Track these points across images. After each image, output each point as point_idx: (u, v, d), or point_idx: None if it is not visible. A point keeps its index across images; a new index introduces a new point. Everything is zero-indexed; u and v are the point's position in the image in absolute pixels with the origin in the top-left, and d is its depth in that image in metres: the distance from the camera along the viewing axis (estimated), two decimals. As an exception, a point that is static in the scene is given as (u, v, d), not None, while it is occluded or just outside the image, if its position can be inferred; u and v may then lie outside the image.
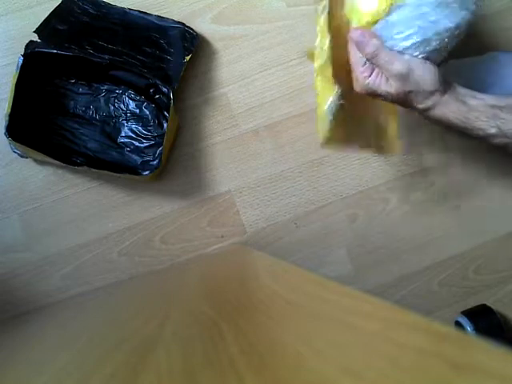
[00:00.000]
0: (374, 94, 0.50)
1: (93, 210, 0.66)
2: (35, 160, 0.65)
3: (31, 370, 0.32)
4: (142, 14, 0.66)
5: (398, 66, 0.48)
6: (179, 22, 0.66)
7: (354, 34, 0.50)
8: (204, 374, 0.22)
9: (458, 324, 0.68)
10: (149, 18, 0.66)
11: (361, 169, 0.69)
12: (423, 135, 0.70)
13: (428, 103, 0.49)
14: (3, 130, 0.58)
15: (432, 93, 0.49)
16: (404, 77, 0.48)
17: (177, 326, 0.33)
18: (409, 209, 0.70)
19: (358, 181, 0.69)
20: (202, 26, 0.67)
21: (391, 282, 0.70)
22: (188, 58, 0.63)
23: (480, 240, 0.71)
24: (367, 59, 0.50)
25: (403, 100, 0.49)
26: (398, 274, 0.70)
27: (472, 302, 0.70)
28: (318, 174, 0.69)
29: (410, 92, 0.48)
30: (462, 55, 0.69)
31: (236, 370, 0.21)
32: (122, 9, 0.66)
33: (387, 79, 0.49)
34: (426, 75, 0.49)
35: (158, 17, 0.66)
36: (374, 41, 0.49)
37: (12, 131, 0.58)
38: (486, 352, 0.18)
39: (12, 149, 0.63)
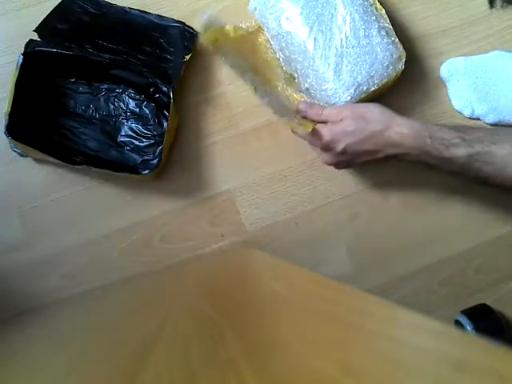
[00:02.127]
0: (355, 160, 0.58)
1: (92, 209, 0.66)
2: (35, 159, 0.65)
3: (31, 369, 0.32)
4: (142, 13, 0.66)
5: (334, 115, 0.57)
6: (179, 21, 0.66)
7: (300, 106, 0.60)
8: (204, 374, 0.22)
9: (457, 323, 0.68)
10: (149, 17, 0.66)
11: (360, 168, 0.69)
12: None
13: (383, 122, 0.55)
14: (3, 129, 0.58)
15: (381, 111, 0.56)
16: (352, 111, 0.56)
17: (177, 326, 0.33)
18: (409, 208, 0.70)
19: (357, 180, 0.69)
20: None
21: (391, 280, 0.70)
22: (188, 57, 0.63)
23: (480, 239, 0.71)
24: (317, 120, 0.58)
25: (360, 130, 0.55)
26: (398, 273, 0.70)
27: (472, 302, 0.70)
28: (318, 173, 0.69)
29: (363, 119, 0.55)
30: (468, 53, 0.70)
31: (236, 369, 0.21)
32: (122, 8, 0.65)
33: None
34: (366, 104, 0.58)
35: (158, 16, 0.66)
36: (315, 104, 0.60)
37: (12, 130, 0.58)
38: (485, 351, 0.18)
39: (12, 148, 0.63)
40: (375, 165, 0.69)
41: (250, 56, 0.64)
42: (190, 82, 0.68)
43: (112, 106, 0.67)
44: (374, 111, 0.56)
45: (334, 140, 0.56)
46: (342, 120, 0.56)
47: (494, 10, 0.71)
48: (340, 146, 0.56)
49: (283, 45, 0.62)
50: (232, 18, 0.68)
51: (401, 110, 0.70)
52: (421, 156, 0.54)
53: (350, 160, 0.58)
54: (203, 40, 0.58)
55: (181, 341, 0.29)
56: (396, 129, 0.54)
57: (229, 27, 0.63)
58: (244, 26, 0.65)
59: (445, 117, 0.70)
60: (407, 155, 0.55)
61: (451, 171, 0.55)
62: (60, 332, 0.45)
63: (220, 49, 0.59)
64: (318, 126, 0.57)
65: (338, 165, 0.60)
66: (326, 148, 0.57)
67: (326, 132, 0.56)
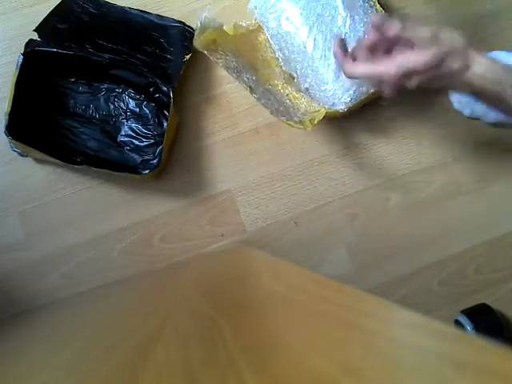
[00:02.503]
0: (410, 73, 0.47)
1: (92, 208, 0.66)
2: (35, 159, 0.65)
3: (31, 369, 0.32)
4: (141, 13, 0.66)
5: (425, 30, 0.48)
6: (179, 21, 0.66)
7: (375, 18, 0.49)
8: (204, 373, 0.22)
9: (457, 323, 0.68)
10: (149, 17, 0.66)
11: (360, 168, 0.69)
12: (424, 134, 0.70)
13: (464, 61, 0.47)
14: (3, 129, 0.58)
15: (466, 49, 0.48)
16: (435, 38, 0.47)
17: (177, 325, 0.33)
18: (408, 208, 0.70)
19: (357, 180, 0.69)
20: (201, 24, 0.67)
21: (391, 280, 0.70)
22: (188, 56, 0.63)
23: (480, 239, 0.71)
24: (396, 36, 0.49)
25: (439, 66, 0.47)
26: (397, 273, 0.70)
27: (472, 301, 0.70)
28: (318, 173, 0.69)
29: (445, 53, 0.47)
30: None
31: (236, 368, 0.21)
32: (122, 8, 0.65)
33: (416, 52, 0.48)
34: (453, 33, 0.48)
35: (158, 16, 0.66)
36: (395, 19, 0.49)
37: (12, 130, 0.58)
38: (485, 351, 0.18)
39: (12, 147, 0.63)
40: (376, 163, 0.69)
41: (250, 55, 0.64)
42: (190, 81, 0.68)
43: (112, 106, 0.67)
44: (455, 43, 0.48)
45: (405, 78, 0.48)
46: (416, 49, 0.48)
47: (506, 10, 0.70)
48: (412, 84, 0.48)
49: (283, 44, 0.62)
50: (232, 18, 0.68)
51: (401, 110, 0.70)
52: (495, 101, 0.50)
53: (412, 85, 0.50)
54: (198, 42, 0.57)
55: (181, 340, 0.29)
56: (476, 70, 0.48)
57: (229, 26, 0.63)
58: (244, 25, 0.65)
59: (444, 118, 0.70)
60: (481, 96, 0.50)
61: None
62: (60, 331, 0.45)
63: (217, 49, 0.59)
64: (363, 61, 0.51)
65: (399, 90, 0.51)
66: (390, 83, 0.49)
67: (391, 68, 0.47)
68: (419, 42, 0.48)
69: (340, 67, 0.56)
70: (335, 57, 0.55)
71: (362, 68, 0.50)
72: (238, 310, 0.33)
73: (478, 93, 0.50)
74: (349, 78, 0.53)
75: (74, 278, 0.66)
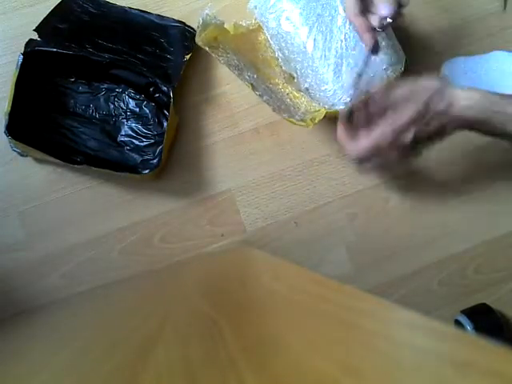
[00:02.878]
0: (404, 129, 0.51)
1: (92, 208, 0.66)
2: (35, 159, 0.65)
3: (31, 369, 0.32)
4: (142, 13, 0.66)
5: (403, 89, 0.52)
6: (179, 21, 0.66)
7: (342, 112, 0.55)
8: (204, 373, 0.22)
9: (457, 323, 0.68)
10: (149, 16, 0.66)
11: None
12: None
13: (446, 99, 0.50)
14: (3, 129, 0.58)
15: (443, 89, 0.50)
16: (414, 92, 0.51)
17: (177, 325, 0.33)
18: (408, 208, 0.70)
19: (357, 180, 0.69)
20: (201, 24, 0.67)
21: (391, 280, 0.70)
22: (188, 56, 0.63)
23: (480, 239, 0.71)
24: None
25: (425, 114, 0.50)
26: (397, 272, 0.70)
27: (472, 301, 0.69)
28: (318, 172, 0.69)
29: (425, 102, 0.50)
30: (468, 53, 0.70)
31: (236, 368, 0.21)
32: (122, 8, 0.66)
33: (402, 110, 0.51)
34: (427, 80, 0.52)
35: (158, 16, 0.66)
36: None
37: (12, 130, 0.58)
38: (485, 351, 0.18)
39: (12, 147, 0.63)
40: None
41: (250, 54, 0.64)
42: (190, 81, 0.68)
43: (112, 106, 0.67)
44: (432, 88, 0.51)
45: (401, 134, 0.50)
46: (401, 107, 0.51)
47: (507, 9, 0.71)
48: (409, 137, 0.50)
49: (282, 44, 0.62)
50: (232, 18, 0.68)
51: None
52: (482, 128, 0.51)
53: (416, 148, 0.53)
54: (200, 39, 0.57)
55: (181, 340, 0.29)
56: (461, 103, 0.50)
57: (229, 25, 0.63)
58: (244, 24, 0.65)
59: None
60: (468, 128, 0.52)
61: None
62: (60, 331, 0.45)
63: (218, 47, 0.59)
64: (364, 133, 0.53)
65: (405, 157, 0.54)
66: (392, 147, 0.51)
67: (386, 129, 0.51)
68: (401, 101, 0.52)
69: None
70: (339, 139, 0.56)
71: (365, 142, 0.52)
72: (238, 309, 0.33)
73: (472, 126, 0.51)
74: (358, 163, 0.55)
75: (73, 277, 0.66)
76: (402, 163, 0.56)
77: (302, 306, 0.29)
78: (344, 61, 0.59)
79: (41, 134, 0.63)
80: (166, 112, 0.65)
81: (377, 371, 0.18)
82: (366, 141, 0.52)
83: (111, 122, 0.66)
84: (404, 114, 0.50)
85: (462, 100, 0.50)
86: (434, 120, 0.50)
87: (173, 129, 0.65)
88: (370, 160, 0.54)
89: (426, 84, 0.52)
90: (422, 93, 0.51)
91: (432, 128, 0.51)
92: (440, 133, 0.52)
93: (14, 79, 0.59)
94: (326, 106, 0.60)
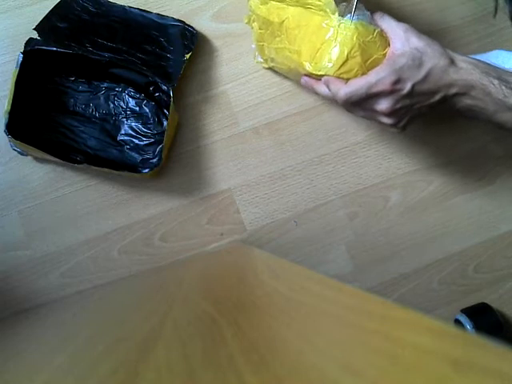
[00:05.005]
0: (401, 76, 0.47)
1: (92, 207, 0.66)
2: (35, 158, 0.65)
3: (31, 367, 0.32)
4: (142, 12, 0.65)
5: (401, 26, 0.49)
6: (179, 20, 0.65)
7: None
8: (204, 372, 0.22)
9: (457, 322, 0.68)
10: (149, 15, 0.66)
11: (360, 167, 0.69)
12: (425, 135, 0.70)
13: (448, 56, 0.48)
14: (3, 128, 0.58)
15: (443, 48, 0.49)
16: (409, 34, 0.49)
17: (177, 324, 0.33)
18: (408, 207, 0.70)
19: (357, 179, 0.69)
20: (201, 23, 0.67)
21: (391, 279, 0.70)
22: (188, 55, 0.63)
23: (480, 238, 0.71)
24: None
25: (424, 56, 0.48)
26: (397, 271, 0.70)
27: (472, 300, 0.70)
28: (318, 171, 0.69)
29: (424, 45, 0.48)
30: (468, 53, 0.70)
31: (236, 367, 0.21)
32: (122, 7, 0.65)
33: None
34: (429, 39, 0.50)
35: (158, 15, 0.66)
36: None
37: (12, 129, 0.58)
38: (485, 350, 0.18)
39: (12, 146, 0.63)
40: (376, 161, 0.69)
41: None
42: (190, 80, 0.68)
43: (112, 105, 0.67)
44: (434, 45, 0.49)
45: (401, 78, 0.47)
46: (402, 51, 0.48)
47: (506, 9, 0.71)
48: (407, 86, 0.47)
49: None
50: (233, 17, 0.68)
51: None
52: (481, 98, 0.48)
53: (411, 106, 0.49)
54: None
55: (181, 339, 0.29)
56: (461, 64, 0.48)
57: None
58: None
59: (444, 117, 0.70)
60: (466, 96, 0.48)
61: (507, 122, 0.49)
62: (60, 330, 0.45)
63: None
64: (374, 70, 0.48)
65: (397, 115, 0.50)
66: (390, 90, 0.47)
67: (388, 69, 0.47)
68: (395, 36, 0.49)
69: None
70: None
71: (344, 88, 0.49)
72: (237, 309, 0.33)
73: (463, 93, 0.49)
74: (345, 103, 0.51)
75: (73, 276, 0.66)
76: (395, 123, 0.51)
77: (301, 305, 0.29)
78: None
79: (41, 133, 0.63)
80: (165, 111, 0.65)
81: (377, 370, 0.18)
82: (345, 87, 0.49)
83: (111, 121, 0.66)
84: (406, 56, 0.48)
85: (463, 61, 0.48)
86: (431, 76, 0.48)
87: (173, 128, 0.65)
88: (352, 110, 0.52)
89: (425, 38, 0.49)
90: (422, 44, 0.49)
91: (427, 86, 0.48)
92: (433, 94, 0.49)
93: (14, 78, 0.59)
94: None
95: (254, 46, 0.66)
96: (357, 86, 0.48)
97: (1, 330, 0.60)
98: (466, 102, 0.49)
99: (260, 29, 0.60)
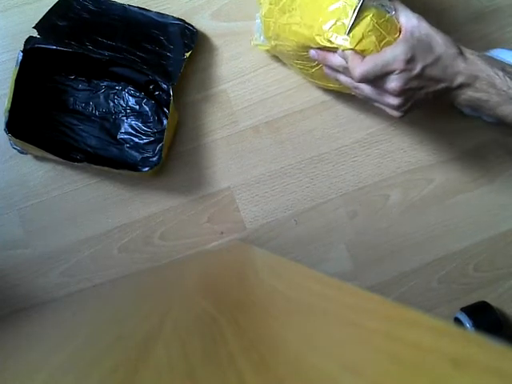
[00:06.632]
0: (412, 57, 0.47)
1: (92, 206, 0.66)
2: (35, 156, 0.65)
3: (31, 366, 0.33)
4: (141, 11, 0.65)
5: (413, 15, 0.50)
6: (179, 19, 0.65)
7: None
8: (204, 371, 0.22)
9: (457, 320, 0.68)
10: (149, 14, 0.65)
11: (360, 165, 0.69)
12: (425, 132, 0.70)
13: (457, 46, 0.49)
14: (3, 126, 0.58)
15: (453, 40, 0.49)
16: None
17: (176, 323, 0.33)
18: (408, 205, 0.70)
19: (357, 177, 0.69)
20: (201, 22, 0.67)
21: (391, 278, 0.70)
22: (188, 54, 0.63)
23: (480, 237, 0.71)
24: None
25: (433, 43, 0.48)
26: (397, 270, 0.70)
27: (471, 299, 0.70)
28: (318, 170, 0.69)
29: (433, 32, 0.49)
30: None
31: (236, 366, 0.21)
32: (122, 5, 0.65)
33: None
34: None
35: (158, 13, 0.66)
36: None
37: (11, 127, 0.58)
38: (485, 348, 0.18)
39: (11, 145, 0.63)
40: (376, 160, 0.69)
41: None
42: (190, 79, 0.68)
43: (112, 104, 0.66)
44: (444, 35, 0.49)
45: (414, 57, 0.47)
46: (416, 35, 0.48)
47: (506, 9, 0.71)
48: (418, 67, 0.47)
49: None
50: (233, 16, 0.68)
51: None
52: (485, 90, 0.49)
53: (418, 90, 0.49)
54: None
55: (180, 338, 0.29)
56: (468, 55, 0.49)
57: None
58: None
59: (445, 116, 0.70)
60: (471, 87, 0.49)
61: (508, 116, 0.50)
62: (60, 329, 0.45)
63: None
64: (389, 47, 0.49)
65: (405, 96, 0.50)
66: (403, 69, 0.47)
67: (403, 47, 0.47)
68: (409, 21, 0.49)
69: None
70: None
71: (370, 61, 0.48)
72: (237, 307, 0.33)
73: (468, 83, 0.49)
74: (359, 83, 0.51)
75: (73, 275, 0.66)
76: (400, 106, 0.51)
77: (301, 304, 0.29)
78: None
79: (41, 132, 0.63)
80: (165, 110, 0.65)
81: (377, 369, 0.18)
82: (362, 65, 0.49)
83: (111, 120, 0.66)
84: (420, 36, 0.48)
85: (471, 54, 0.49)
86: (440, 62, 0.48)
87: (173, 126, 0.65)
88: (361, 87, 0.52)
89: (437, 30, 0.49)
90: (431, 32, 0.49)
91: (435, 72, 0.48)
92: (439, 82, 0.49)
93: (14, 77, 0.59)
94: None
95: (258, 21, 0.64)
96: (373, 63, 0.48)
97: (1, 328, 0.60)
98: (470, 93, 0.50)
99: (270, 4, 0.60)
